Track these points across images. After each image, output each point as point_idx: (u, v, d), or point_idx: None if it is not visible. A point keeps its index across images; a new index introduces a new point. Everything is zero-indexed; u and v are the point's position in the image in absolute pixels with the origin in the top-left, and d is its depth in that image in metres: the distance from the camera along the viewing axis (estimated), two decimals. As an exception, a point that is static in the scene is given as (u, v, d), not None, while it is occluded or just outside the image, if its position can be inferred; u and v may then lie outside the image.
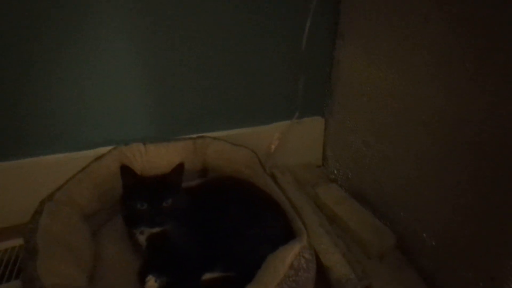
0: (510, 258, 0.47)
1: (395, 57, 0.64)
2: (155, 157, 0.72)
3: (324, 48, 0.84)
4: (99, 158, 0.66)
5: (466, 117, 0.51)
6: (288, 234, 0.58)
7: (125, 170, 0.57)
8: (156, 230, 0.54)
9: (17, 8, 0.61)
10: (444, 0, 0.52)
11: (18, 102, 0.68)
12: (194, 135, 0.80)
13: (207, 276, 0.55)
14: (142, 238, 0.56)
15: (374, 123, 0.73)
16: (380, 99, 0.70)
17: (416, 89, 0.60)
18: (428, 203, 0.61)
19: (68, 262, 0.47)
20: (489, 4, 0.45)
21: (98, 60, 0.69)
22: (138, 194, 0.53)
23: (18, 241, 0.65)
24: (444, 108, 0.55)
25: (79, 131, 0.74)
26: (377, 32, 0.68)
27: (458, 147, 0.53)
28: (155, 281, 0.53)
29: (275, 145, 0.91)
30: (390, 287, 0.60)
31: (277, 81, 0.85)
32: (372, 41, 0.70)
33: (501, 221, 0.48)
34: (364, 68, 0.74)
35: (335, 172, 0.93)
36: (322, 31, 0.81)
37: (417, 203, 0.64)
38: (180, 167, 0.58)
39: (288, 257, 0.49)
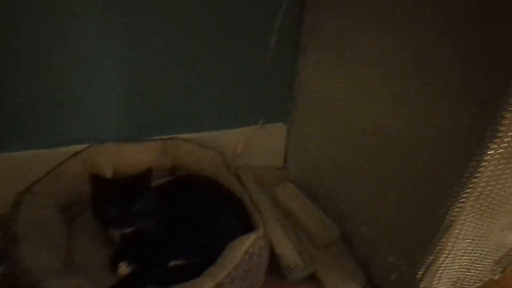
0: (424, 247, 0.58)
1: (343, 73, 0.74)
2: (127, 156, 0.78)
3: (288, 61, 0.93)
4: (74, 155, 0.71)
5: (399, 130, 0.62)
6: (247, 226, 0.66)
7: (95, 179, 0.60)
8: (127, 230, 0.59)
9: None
10: (384, 31, 0.62)
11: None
12: (165, 137, 0.87)
13: (172, 263, 0.62)
14: (116, 234, 0.62)
15: (326, 131, 0.84)
16: (331, 109, 0.80)
17: (358, 102, 0.71)
18: (366, 201, 0.72)
19: (46, 248, 0.52)
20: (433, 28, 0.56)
21: (75, 59, 0.73)
22: (110, 200, 0.57)
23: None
24: (378, 120, 0.66)
25: (56, 129, 0.79)
26: (331, 49, 0.78)
27: (390, 153, 0.64)
28: (127, 267, 0.59)
29: (241, 148, 1.00)
30: (332, 273, 0.70)
31: (244, 90, 0.93)
32: (326, 57, 0.80)
33: (420, 218, 0.59)
34: (319, 80, 0.84)
35: (294, 173, 1.03)
36: (286, 45, 0.90)
37: (358, 201, 0.75)
38: (148, 172, 0.63)
39: (244, 245, 0.57)
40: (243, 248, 0.56)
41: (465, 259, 0.62)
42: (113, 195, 0.58)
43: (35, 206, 0.57)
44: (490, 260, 0.68)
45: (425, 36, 0.54)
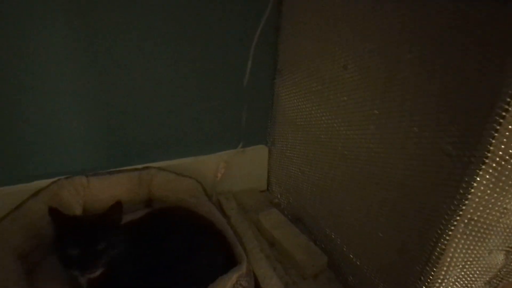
0: (416, 277, 0.56)
1: (321, 95, 0.73)
2: (98, 190, 0.72)
3: (265, 84, 0.92)
4: (36, 193, 0.65)
5: (381, 155, 0.60)
6: (229, 261, 0.62)
7: (53, 212, 0.54)
8: (91, 275, 0.53)
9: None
10: (359, 54, 0.62)
11: None
12: (140, 166, 0.82)
13: (149, 308, 0.57)
14: (83, 279, 0.55)
15: (307, 153, 0.81)
16: (310, 131, 0.78)
17: (337, 125, 0.69)
18: (351, 227, 0.69)
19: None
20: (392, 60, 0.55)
21: (36, 87, 0.68)
22: (70, 238, 0.51)
23: None
24: (358, 143, 0.64)
25: (15, 164, 0.72)
26: (307, 70, 0.76)
27: (370, 178, 0.62)
28: (95, 319, 0.53)
29: (221, 173, 0.95)
30: (322, 305, 0.66)
31: (221, 114, 0.90)
32: (304, 79, 0.79)
33: (409, 246, 0.57)
34: (298, 103, 0.82)
35: (279, 196, 1.00)
36: (263, 68, 0.88)
37: (343, 227, 0.72)
38: (117, 206, 0.57)
39: (226, 287, 0.53)
40: (225, 290, 0.52)
41: (457, 285, 0.60)
42: (74, 233, 0.52)
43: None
44: (481, 282, 0.66)
45: (400, 60, 0.53)
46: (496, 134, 0.41)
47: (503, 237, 0.57)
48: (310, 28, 0.73)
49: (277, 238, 0.78)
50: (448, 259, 0.52)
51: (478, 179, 0.44)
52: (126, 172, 0.77)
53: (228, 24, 0.79)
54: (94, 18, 0.67)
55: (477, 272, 0.62)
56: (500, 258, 0.65)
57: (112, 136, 0.80)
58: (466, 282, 0.62)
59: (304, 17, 0.75)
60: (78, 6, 0.65)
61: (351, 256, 0.70)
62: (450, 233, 0.49)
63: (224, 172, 0.96)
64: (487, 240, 0.56)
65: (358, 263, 0.69)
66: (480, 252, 0.58)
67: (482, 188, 0.45)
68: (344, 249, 0.72)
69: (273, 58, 0.88)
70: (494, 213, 0.51)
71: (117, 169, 0.79)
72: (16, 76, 0.66)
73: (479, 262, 0.60)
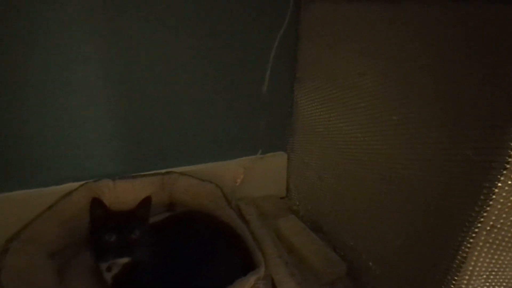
0: (437, 286, 0.54)
1: (339, 102, 0.74)
2: (124, 193, 0.76)
3: (284, 91, 0.93)
4: (67, 194, 0.69)
5: (400, 161, 0.60)
6: (248, 265, 0.62)
7: (96, 203, 0.60)
8: (124, 260, 0.57)
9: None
10: (376, 61, 0.62)
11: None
12: (163, 170, 0.85)
13: (169, 308, 0.59)
14: (108, 276, 0.59)
15: (325, 160, 0.82)
16: (329, 138, 0.79)
17: (356, 131, 0.69)
18: (370, 234, 0.68)
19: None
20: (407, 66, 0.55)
21: (65, 95, 0.73)
22: (107, 226, 0.57)
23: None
24: (376, 150, 0.64)
25: (47, 167, 0.77)
26: (326, 78, 0.77)
27: (388, 185, 0.62)
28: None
29: (240, 179, 0.97)
30: (340, 313, 0.66)
31: (241, 121, 0.92)
32: (322, 87, 0.80)
33: (430, 254, 0.56)
34: (316, 109, 0.83)
35: (297, 203, 1.00)
36: (282, 75, 0.90)
37: (363, 234, 0.71)
38: (147, 200, 0.63)
39: (243, 288, 0.54)
40: (242, 292, 0.53)
41: (482, 296, 0.58)
42: (111, 222, 0.58)
43: (23, 254, 0.55)
44: (509, 295, 0.64)
45: (417, 66, 0.53)
46: (517, 139, 0.40)
47: (531, 247, 0.55)
48: (327, 36, 0.74)
49: (296, 245, 0.78)
50: (471, 268, 0.51)
51: (499, 184, 0.43)
52: (149, 177, 0.80)
53: (247, 33, 0.82)
54: (119, 27, 0.71)
55: (504, 283, 0.60)
56: (529, 269, 0.62)
57: (138, 142, 0.84)
58: (492, 294, 0.59)
59: (322, 26, 0.77)
60: (103, 14, 0.69)
61: (371, 264, 0.69)
62: (471, 240, 0.48)
63: (243, 178, 0.97)
64: (513, 250, 0.54)
65: (377, 272, 0.68)
66: (506, 262, 0.55)
67: (504, 194, 0.44)
68: (363, 257, 0.71)
69: (292, 66, 0.90)
70: (519, 221, 0.50)
71: (141, 173, 0.82)
72: (48, 87, 0.71)
73: (505, 273, 0.57)
